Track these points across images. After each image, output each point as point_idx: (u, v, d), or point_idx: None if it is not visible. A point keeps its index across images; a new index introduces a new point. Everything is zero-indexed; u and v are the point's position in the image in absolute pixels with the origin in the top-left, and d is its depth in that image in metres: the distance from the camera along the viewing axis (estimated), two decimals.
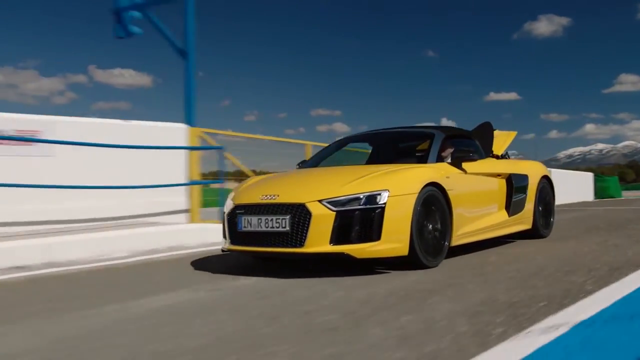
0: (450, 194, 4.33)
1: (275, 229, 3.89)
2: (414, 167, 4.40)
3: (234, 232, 4.19)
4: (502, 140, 6.45)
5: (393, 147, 5.70)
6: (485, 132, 5.87)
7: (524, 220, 5.68)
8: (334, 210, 3.76)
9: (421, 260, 3.96)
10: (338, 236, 3.75)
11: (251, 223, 4.04)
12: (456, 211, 4.41)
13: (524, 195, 5.64)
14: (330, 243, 3.74)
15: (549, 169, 6.50)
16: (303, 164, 5.55)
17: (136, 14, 8.33)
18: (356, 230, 3.76)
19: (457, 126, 6.19)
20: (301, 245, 3.77)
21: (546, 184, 6.16)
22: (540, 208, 5.98)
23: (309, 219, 3.76)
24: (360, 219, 3.77)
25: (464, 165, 4.76)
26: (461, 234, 4.55)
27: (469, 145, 5.53)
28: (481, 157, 5.37)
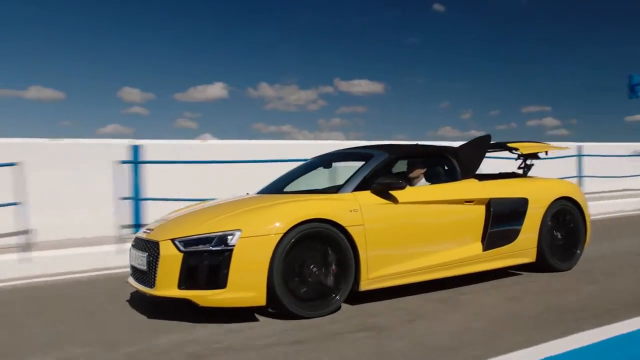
0: (353, 230, 3.69)
1: (140, 266, 3.72)
2: (293, 200, 3.81)
3: (130, 264, 4.11)
4: (540, 148, 5.34)
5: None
6: (478, 148, 4.85)
7: (521, 253, 4.59)
8: (182, 251, 3.44)
9: (291, 312, 3.44)
10: (186, 280, 3.42)
11: (132, 257, 3.92)
12: (368, 250, 3.74)
13: (518, 223, 4.56)
14: (178, 286, 3.44)
15: None
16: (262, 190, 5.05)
17: None
18: (203, 274, 3.39)
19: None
20: (153, 286, 3.54)
21: (568, 206, 4.89)
22: (558, 235, 4.82)
23: (158, 258, 3.51)
24: (208, 262, 3.39)
25: (395, 193, 3.99)
26: (381, 277, 3.83)
27: (445, 165, 4.66)
28: (452, 179, 4.50)
